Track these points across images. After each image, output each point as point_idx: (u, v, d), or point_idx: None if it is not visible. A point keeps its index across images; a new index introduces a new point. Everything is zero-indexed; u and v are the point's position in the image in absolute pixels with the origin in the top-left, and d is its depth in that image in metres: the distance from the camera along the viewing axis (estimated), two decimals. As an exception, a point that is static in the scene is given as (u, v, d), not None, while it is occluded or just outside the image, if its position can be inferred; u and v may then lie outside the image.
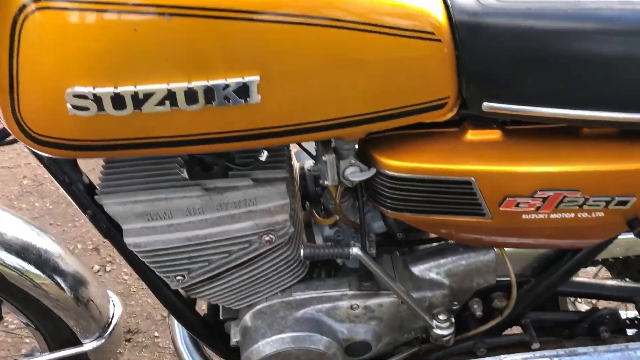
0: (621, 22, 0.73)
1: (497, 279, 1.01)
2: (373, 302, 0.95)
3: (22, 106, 0.67)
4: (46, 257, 1.03)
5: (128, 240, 0.83)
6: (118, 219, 0.83)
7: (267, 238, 0.85)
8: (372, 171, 0.81)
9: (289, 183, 0.85)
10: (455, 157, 0.81)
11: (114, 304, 1.15)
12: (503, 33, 0.73)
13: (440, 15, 0.72)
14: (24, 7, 0.61)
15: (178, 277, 0.88)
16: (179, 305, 0.97)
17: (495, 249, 0.97)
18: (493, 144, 0.82)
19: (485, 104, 0.77)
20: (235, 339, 0.97)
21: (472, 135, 0.82)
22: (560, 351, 1.05)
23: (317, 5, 0.66)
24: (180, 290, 0.94)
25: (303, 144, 0.93)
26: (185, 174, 0.84)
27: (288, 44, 0.66)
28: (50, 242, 1.06)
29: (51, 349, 1.13)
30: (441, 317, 0.96)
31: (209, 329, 1.03)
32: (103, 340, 1.12)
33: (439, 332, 0.96)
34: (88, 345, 1.11)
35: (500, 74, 0.75)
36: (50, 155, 0.74)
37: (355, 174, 0.81)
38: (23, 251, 1.00)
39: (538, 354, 1.05)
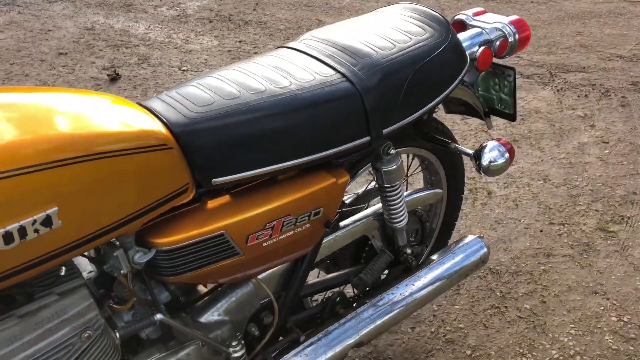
0: (280, 105, 1.16)
1: (260, 302, 1.35)
2: (181, 354, 1.20)
3: None
4: None
5: (-37, 385, 0.92)
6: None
7: (86, 334, 1.03)
8: (153, 251, 1.08)
9: (87, 286, 1.05)
10: (206, 222, 1.13)
11: None
12: (209, 132, 1.10)
13: (164, 130, 1.05)
14: None
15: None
16: None
17: (251, 280, 1.31)
18: (227, 204, 1.17)
19: (213, 180, 1.12)
20: None
21: (210, 203, 1.16)
22: (320, 334, 1.44)
23: (50, 150, 0.88)
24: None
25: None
26: (-5, 314, 0.97)
27: (60, 179, 0.89)
28: None
29: None
30: (234, 344, 1.26)
31: None
32: None
33: (236, 355, 1.26)
34: None
35: (217, 159, 1.11)
36: None
37: (142, 257, 1.06)
38: None
39: (306, 343, 1.42)
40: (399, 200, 1.48)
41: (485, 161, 1.42)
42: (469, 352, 1.92)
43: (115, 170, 0.96)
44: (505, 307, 2.10)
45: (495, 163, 1.41)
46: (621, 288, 2.17)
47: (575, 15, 5.11)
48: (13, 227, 0.85)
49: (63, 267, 1.02)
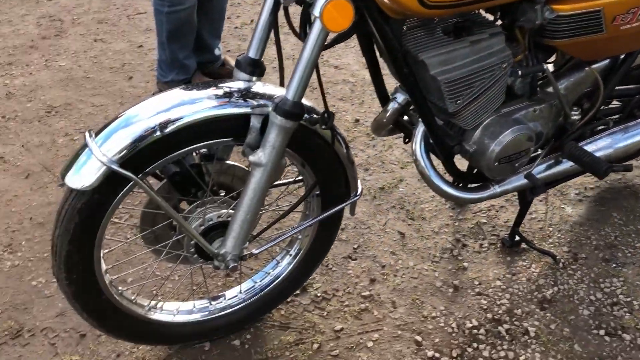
0: None
1: (585, 90, 1.70)
2: (539, 107, 1.59)
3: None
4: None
5: (441, 77, 1.37)
6: (430, 67, 1.36)
7: (504, 65, 1.45)
8: (555, 13, 1.45)
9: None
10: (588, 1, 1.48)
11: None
12: None
13: None
14: None
15: (458, 101, 1.43)
16: (439, 128, 1.51)
17: (587, 68, 1.66)
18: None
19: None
20: (470, 149, 1.54)
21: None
22: (620, 126, 1.79)
23: None
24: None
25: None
26: (450, 37, 1.40)
27: None
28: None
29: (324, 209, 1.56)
30: (574, 108, 1.64)
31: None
32: (358, 196, 1.58)
33: (574, 117, 1.64)
34: (353, 198, 1.57)
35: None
36: (436, 15, 1.27)
37: (550, 13, 1.43)
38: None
39: (611, 130, 1.77)
40: None
41: None
42: None
43: None
44: None
45: None
46: None
47: None
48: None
49: (493, 16, 1.43)
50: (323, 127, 1.36)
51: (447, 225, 2.05)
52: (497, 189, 1.65)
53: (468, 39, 1.40)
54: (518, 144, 1.54)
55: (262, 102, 1.31)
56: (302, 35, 1.30)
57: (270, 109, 1.29)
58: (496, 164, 1.54)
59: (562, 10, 1.46)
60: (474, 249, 1.96)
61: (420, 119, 1.54)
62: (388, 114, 1.65)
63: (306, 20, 1.28)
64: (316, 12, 1.17)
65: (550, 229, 2.04)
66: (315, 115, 1.36)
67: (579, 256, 1.93)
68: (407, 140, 1.78)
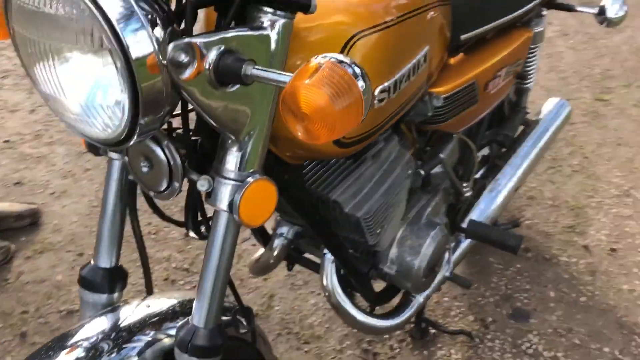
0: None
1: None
2: (437, 198, 1.38)
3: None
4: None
5: (359, 213, 1.07)
6: (345, 205, 1.05)
7: (409, 172, 1.20)
8: (441, 98, 1.25)
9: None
10: (463, 73, 1.31)
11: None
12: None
13: None
14: (353, 36, 0.85)
15: (378, 231, 1.15)
16: (353, 264, 1.21)
17: (454, 135, 1.52)
18: (470, 60, 1.36)
19: (462, 36, 1.30)
20: (391, 271, 1.27)
21: (460, 59, 1.35)
22: (492, 184, 1.69)
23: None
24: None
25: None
26: (349, 161, 1.12)
27: (428, 23, 1.06)
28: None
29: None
30: (465, 184, 1.48)
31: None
32: None
33: (467, 194, 1.48)
34: None
35: (464, 18, 1.30)
36: (354, 151, 0.95)
37: (437, 100, 1.23)
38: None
39: (492, 182, 1.67)
40: (536, 61, 1.75)
41: (609, 14, 1.71)
42: (550, 202, 2.28)
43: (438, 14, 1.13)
44: (560, 165, 2.48)
45: (617, 15, 1.71)
46: (636, 137, 2.64)
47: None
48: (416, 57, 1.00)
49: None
50: (242, 331, 0.96)
51: (345, 335, 1.77)
52: (420, 298, 1.42)
53: (367, 156, 1.13)
54: (440, 248, 1.32)
55: (150, 337, 0.86)
56: (192, 227, 0.89)
57: (165, 340, 0.86)
58: (424, 279, 1.30)
59: (445, 92, 1.27)
60: (387, 355, 1.71)
61: (326, 253, 1.23)
62: (276, 253, 1.30)
63: (193, 205, 0.87)
64: (223, 204, 0.77)
65: (446, 299, 1.88)
66: (227, 317, 0.96)
67: (488, 321, 1.80)
68: (291, 267, 1.47)
